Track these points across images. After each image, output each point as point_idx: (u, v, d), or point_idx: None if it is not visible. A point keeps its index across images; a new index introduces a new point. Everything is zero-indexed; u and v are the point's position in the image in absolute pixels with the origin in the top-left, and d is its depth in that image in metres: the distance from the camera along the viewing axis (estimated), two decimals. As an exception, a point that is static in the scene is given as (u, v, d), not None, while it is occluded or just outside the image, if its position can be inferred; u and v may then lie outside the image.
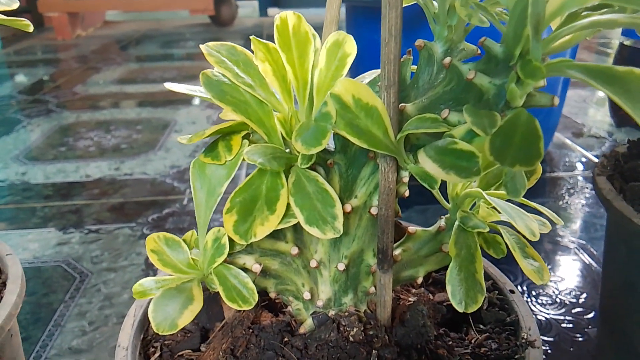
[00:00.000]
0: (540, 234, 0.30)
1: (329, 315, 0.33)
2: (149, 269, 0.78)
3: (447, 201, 0.34)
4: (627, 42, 1.31)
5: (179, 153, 1.22)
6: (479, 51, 0.29)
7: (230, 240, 0.31)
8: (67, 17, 2.69)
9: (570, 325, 0.65)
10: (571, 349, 0.62)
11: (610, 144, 1.22)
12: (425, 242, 0.34)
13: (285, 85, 0.31)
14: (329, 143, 0.29)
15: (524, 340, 0.34)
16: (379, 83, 0.28)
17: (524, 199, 0.31)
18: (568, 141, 1.25)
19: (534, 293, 0.71)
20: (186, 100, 1.61)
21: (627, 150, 0.58)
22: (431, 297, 0.38)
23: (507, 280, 0.40)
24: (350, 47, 0.30)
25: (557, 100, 0.24)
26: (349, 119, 0.27)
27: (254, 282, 0.31)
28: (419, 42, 0.30)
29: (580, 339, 0.63)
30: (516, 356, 0.33)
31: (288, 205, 0.30)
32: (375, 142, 0.27)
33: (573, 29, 0.23)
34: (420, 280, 0.35)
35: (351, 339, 0.31)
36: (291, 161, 0.30)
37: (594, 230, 0.87)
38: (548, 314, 0.67)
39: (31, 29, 0.37)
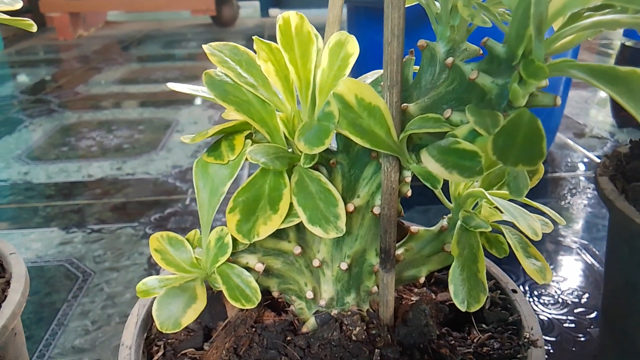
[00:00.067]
0: (543, 234, 0.30)
1: (332, 314, 0.33)
2: (152, 269, 0.78)
3: (449, 201, 0.34)
4: (628, 43, 1.31)
5: (180, 153, 1.22)
6: (482, 51, 0.29)
7: (233, 240, 0.31)
8: (69, 17, 2.70)
9: (573, 325, 0.65)
10: (573, 349, 0.62)
11: (612, 145, 1.22)
12: (427, 241, 0.34)
13: (288, 85, 0.31)
14: (331, 143, 0.29)
15: (526, 340, 0.34)
16: (382, 83, 0.28)
17: (526, 199, 0.31)
18: (570, 142, 1.25)
19: (536, 293, 0.71)
20: (188, 100, 1.61)
21: (629, 151, 0.58)
22: (433, 296, 0.38)
23: (510, 280, 0.40)
24: (353, 47, 0.30)
25: (559, 100, 0.24)
26: (351, 119, 0.27)
27: (256, 281, 0.32)
28: (422, 42, 0.30)
29: (582, 339, 0.63)
30: (518, 355, 0.33)
31: (291, 204, 0.30)
32: (377, 141, 0.27)
33: (575, 29, 0.23)
34: (422, 279, 0.35)
35: (354, 338, 0.31)
36: (294, 161, 0.30)
37: (596, 231, 0.87)
38: (550, 313, 0.67)
39: (34, 28, 0.37)
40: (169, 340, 0.36)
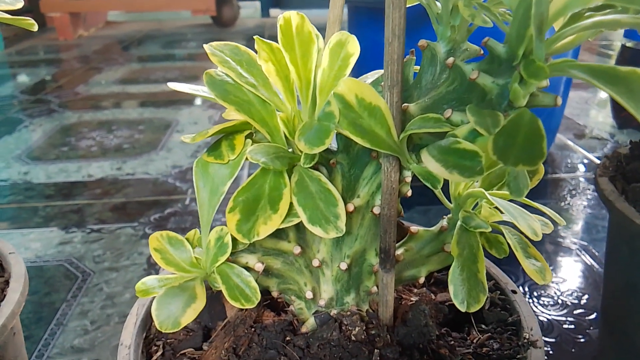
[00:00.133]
0: (542, 235, 0.30)
1: (331, 314, 0.33)
2: (151, 269, 0.78)
3: (449, 201, 0.34)
4: (629, 44, 1.31)
5: (180, 153, 1.22)
6: (482, 51, 0.29)
7: (233, 239, 0.31)
8: (69, 17, 2.70)
9: (572, 327, 0.65)
10: (573, 350, 0.62)
11: (612, 146, 1.22)
12: (427, 241, 0.34)
13: (289, 84, 0.31)
14: (331, 143, 0.29)
15: (525, 340, 0.34)
16: (382, 83, 0.28)
17: (526, 199, 0.31)
18: (570, 142, 1.25)
19: (535, 294, 0.71)
20: (188, 100, 1.61)
21: (629, 152, 0.58)
22: (433, 296, 0.38)
23: (509, 281, 0.40)
24: (353, 47, 0.30)
25: (560, 100, 0.24)
26: (352, 119, 0.27)
27: (256, 281, 0.31)
28: (422, 42, 0.30)
29: (581, 340, 0.63)
30: (518, 356, 0.33)
31: (291, 204, 0.30)
32: (378, 141, 0.27)
33: (576, 30, 0.23)
34: (422, 280, 0.35)
35: (353, 338, 0.31)
36: (294, 161, 0.30)
37: (596, 232, 0.87)
38: (550, 315, 0.67)
39: (35, 28, 0.37)
40: (168, 340, 0.36)
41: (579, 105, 1.53)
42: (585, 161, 1.14)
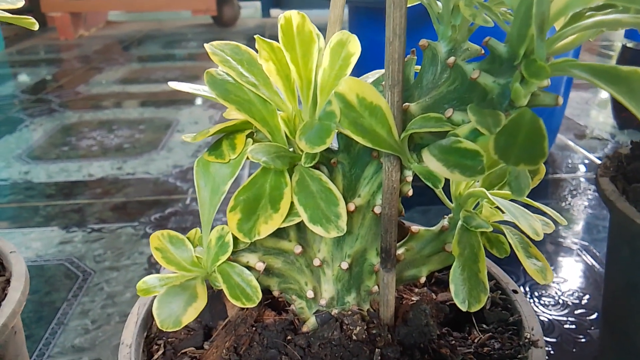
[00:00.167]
0: (543, 235, 0.30)
1: (332, 314, 0.33)
2: (152, 268, 0.78)
3: (450, 201, 0.34)
4: (629, 44, 1.31)
5: (181, 153, 1.22)
6: (483, 51, 0.29)
7: (234, 239, 0.31)
8: (70, 17, 2.70)
9: (573, 327, 0.65)
10: (574, 350, 0.62)
11: (612, 146, 1.22)
12: (428, 241, 0.34)
13: (289, 84, 0.31)
14: (332, 142, 0.29)
15: (526, 340, 0.34)
16: (383, 82, 0.28)
17: (527, 199, 0.31)
18: (571, 143, 1.25)
19: (536, 294, 0.71)
20: (189, 100, 1.61)
21: (630, 152, 0.58)
22: (434, 296, 0.38)
23: (510, 280, 0.40)
24: (354, 46, 0.30)
25: (561, 100, 0.24)
26: (353, 118, 0.27)
27: (257, 280, 0.31)
28: (423, 41, 0.30)
29: (582, 340, 0.63)
30: (519, 356, 0.33)
31: (291, 203, 0.30)
32: (379, 141, 0.27)
33: (577, 29, 0.23)
34: (423, 279, 0.35)
35: (354, 337, 0.31)
36: (295, 160, 0.30)
37: (597, 232, 0.87)
38: (551, 315, 0.67)
39: (36, 27, 0.37)
40: (169, 339, 0.36)
41: (580, 105, 1.52)
42: (586, 161, 1.14)
